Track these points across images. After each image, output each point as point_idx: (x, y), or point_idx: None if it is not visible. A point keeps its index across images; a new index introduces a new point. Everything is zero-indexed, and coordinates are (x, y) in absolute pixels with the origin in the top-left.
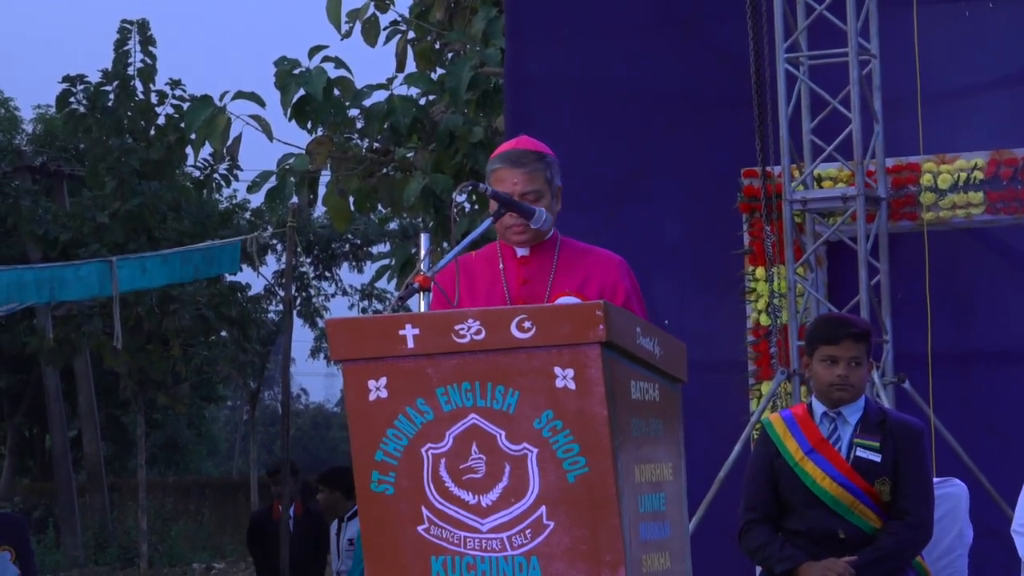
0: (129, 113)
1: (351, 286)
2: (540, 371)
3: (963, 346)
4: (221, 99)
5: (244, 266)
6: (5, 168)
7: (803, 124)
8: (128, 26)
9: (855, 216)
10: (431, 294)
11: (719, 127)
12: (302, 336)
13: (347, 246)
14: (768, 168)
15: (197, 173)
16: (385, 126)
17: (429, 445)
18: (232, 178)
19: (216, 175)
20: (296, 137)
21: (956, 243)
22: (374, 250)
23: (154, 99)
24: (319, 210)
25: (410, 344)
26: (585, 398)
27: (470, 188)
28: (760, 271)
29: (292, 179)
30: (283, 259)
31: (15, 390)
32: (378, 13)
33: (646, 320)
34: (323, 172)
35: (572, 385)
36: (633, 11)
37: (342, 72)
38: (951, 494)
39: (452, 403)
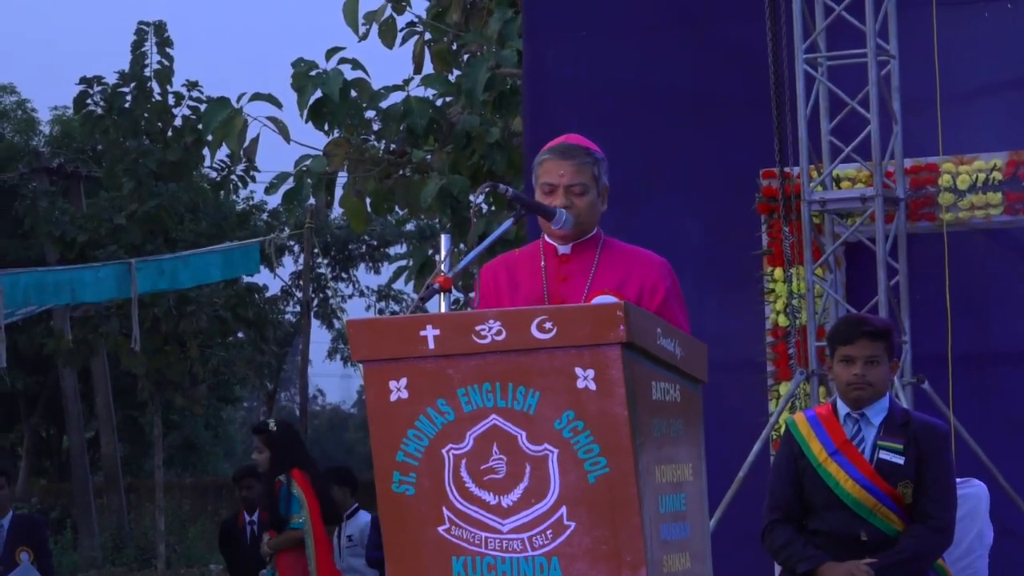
0: (146, 115)
1: (368, 287)
2: (561, 372)
3: (982, 347)
4: (238, 100)
5: (261, 267)
6: (22, 169)
7: (822, 125)
8: (145, 28)
9: (874, 217)
10: (476, 292)
11: (737, 128)
12: (319, 337)
13: (364, 247)
14: (787, 169)
15: (214, 174)
16: (402, 127)
17: (450, 446)
18: (249, 179)
19: (233, 176)
20: (313, 139)
21: (975, 244)
22: (391, 251)
23: (171, 100)
24: (336, 211)
25: (431, 345)
26: (606, 399)
27: (489, 189)
28: (779, 272)
29: (309, 181)
30: (300, 260)
31: (32, 391)
32: (395, 15)
33: (687, 323)
34: (340, 174)
35: (593, 386)
36: (651, 12)
37: (359, 74)
38: (971, 495)
39: (473, 404)
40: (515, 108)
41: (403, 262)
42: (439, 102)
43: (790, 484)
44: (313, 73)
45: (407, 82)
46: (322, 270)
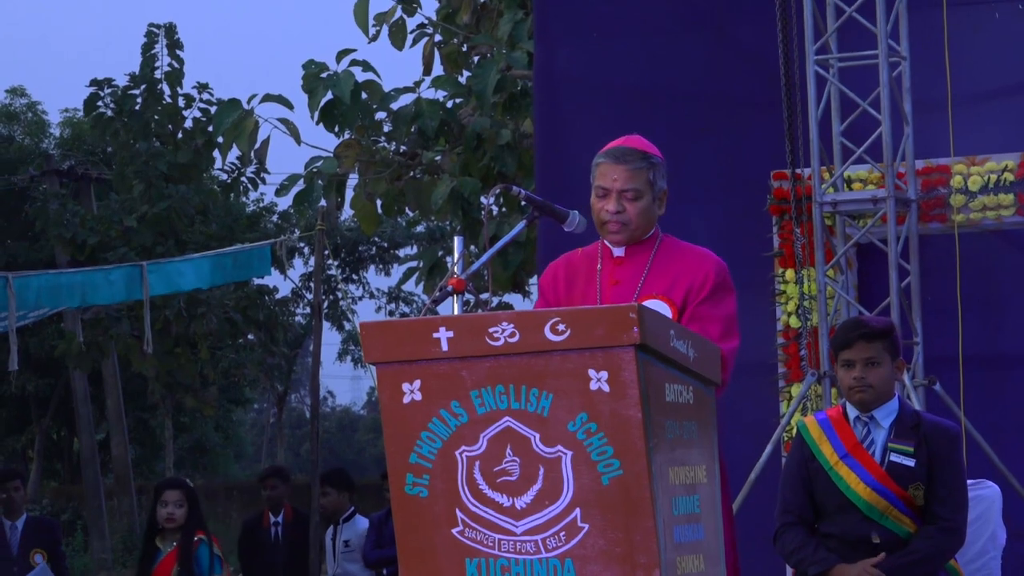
0: (156, 117)
1: (378, 289)
2: (574, 373)
3: (994, 348)
4: (249, 102)
5: (272, 269)
6: (33, 172)
7: (833, 126)
8: (155, 30)
9: (885, 218)
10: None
11: (749, 130)
12: (329, 339)
13: (374, 249)
14: (798, 170)
15: (224, 176)
16: (412, 129)
17: (463, 447)
18: (259, 181)
19: (243, 179)
20: (324, 140)
21: (987, 245)
22: (401, 253)
23: (181, 103)
24: (346, 213)
25: (444, 347)
26: (619, 400)
27: (501, 191)
28: (790, 273)
29: (320, 182)
30: (310, 262)
31: (43, 393)
32: (405, 16)
33: (735, 318)
34: (351, 175)
35: (606, 387)
36: (662, 13)
37: (370, 75)
38: (984, 496)
39: (486, 406)
40: (525, 109)
41: (413, 264)
42: (449, 104)
43: (801, 487)
44: (324, 75)
45: (418, 84)
46: (332, 272)
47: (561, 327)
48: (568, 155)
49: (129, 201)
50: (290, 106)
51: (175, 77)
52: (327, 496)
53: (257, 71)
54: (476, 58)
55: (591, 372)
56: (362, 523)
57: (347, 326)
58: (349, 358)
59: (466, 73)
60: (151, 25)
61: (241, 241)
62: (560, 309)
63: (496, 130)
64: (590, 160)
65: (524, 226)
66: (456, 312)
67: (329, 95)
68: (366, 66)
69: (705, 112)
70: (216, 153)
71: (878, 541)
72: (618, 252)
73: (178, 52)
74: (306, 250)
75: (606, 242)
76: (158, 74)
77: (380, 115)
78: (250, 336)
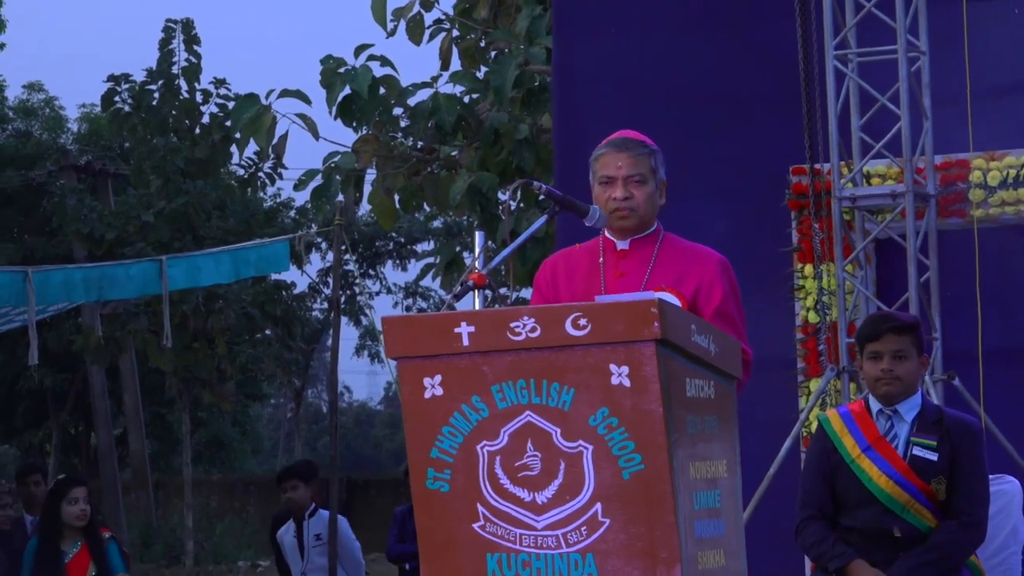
0: (174, 112)
1: (395, 284)
2: (595, 368)
3: (1013, 343)
4: (267, 97)
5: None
6: (50, 167)
7: (852, 121)
8: (172, 25)
9: (904, 213)
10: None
11: (767, 125)
12: (346, 334)
13: (391, 244)
14: (817, 165)
15: (242, 172)
16: (430, 124)
17: (484, 442)
18: (277, 176)
19: (260, 174)
20: (341, 136)
21: (1006, 240)
22: (418, 248)
23: (199, 98)
24: (363, 209)
25: (465, 342)
26: (640, 395)
27: (521, 185)
28: (809, 268)
29: (338, 177)
30: (327, 257)
31: (61, 388)
32: (423, 11)
33: (744, 323)
34: (368, 171)
35: (627, 382)
36: (681, 8)
37: (387, 70)
38: (1004, 491)
39: (507, 400)
40: (543, 105)
41: (431, 259)
42: (467, 99)
43: (822, 480)
44: (342, 70)
45: (435, 79)
46: (349, 267)
47: (582, 322)
48: (587, 150)
49: (146, 196)
50: (308, 101)
51: (192, 72)
52: (297, 490)
53: (274, 66)
54: (493, 53)
55: (612, 367)
56: (326, 515)
57: (364, 321)
58: (366, 353)
59: (484, 68)
60: (168, 20)
61: (258, 236)
62: (581, 304)
63: (514, 125)
64: None
65: (545, 221)
66: (477, 307)
67: (347, 90)
68: (384, 61)
69: (723, 108)
70: (233, 148)
71: (899, 535)
72: (622, 245)
73: (195, 47)
74: (323, 245)
75: (609, 235)
76: (175, 69)
77: (397, 110)
78: (267, 331)
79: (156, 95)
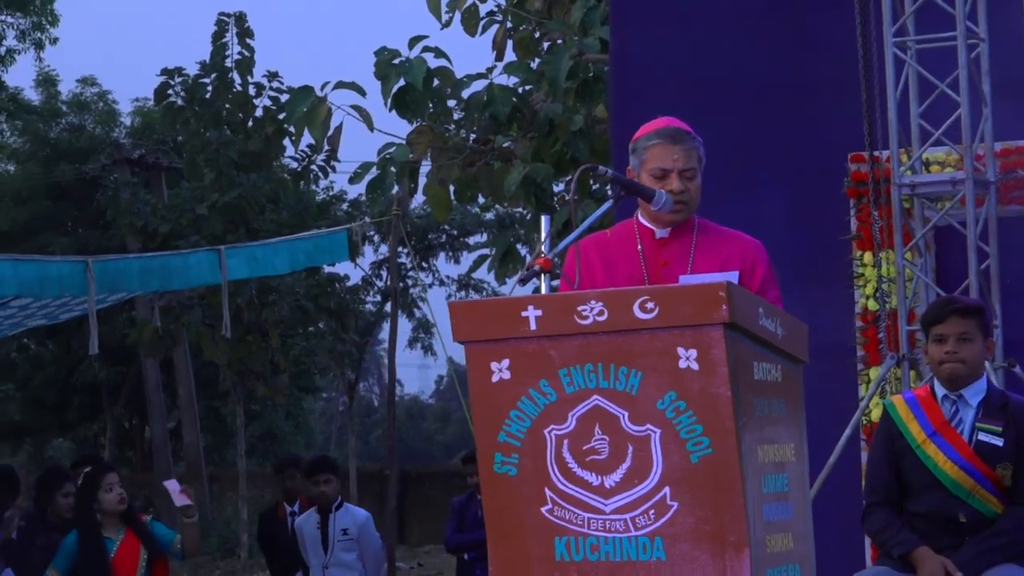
0: (227, 105)
1: (448, 276)
2: (663, 352)
3: None
4: (321, 89)
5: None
6: (104, 161)
7: (911, 108)
8: (225, 19)
9: (964, 200)
10: (563, 273)
11: (826, 113)
12: (399, 327)
13: (444, 237)
14: (876, 153)
15: (294, 164)
16: (484, 115)
17: (552, 426)
18: (330, 169)
19: (313, 166)
20: (395, 127)
21: None
22: (471, 240)
23: (251, 91)
24: (416, 201)
25: (533, 326)
26: (708, 379)
27: (587, 170)
28: (868, 256)
29: (393, 169)
30: (380, 250)
31: (115, 382)
32: (477, 2)
33: (781, 304)
34: (423, 162)
35: (695, 366)
36: None
37: (442, 62)
38: None
39: (575, 384)
40: (598, 95)
41: (485, 251)
42: (521, 90)
43: (888, 466)
44: (396, 61)
45: (490, 70)
46: (403, 259)
47: (650, 305)
48: None
49: (200, 189)
50: (363, 93)
51: (245, 65)
52: (330, 484)
53: (327, 59)
54: (546, 44)
55: (680, 350)
56: (354, 511)
57: (417, 314)
58: (419, 346)
59: (537, 59)
60: (221, 14)
61: (312, 229)
62: (649, 287)
63: (568, 116)
64: None
65: (610, 206)
66: (544, 291)
67: (401, 82)
68: (438, 52)
69: (780, 96)
70: (286, 141)
71: (964, 520)
72: (661, 233)
73: (248, 41)
74: (376, 238)
75: (645, 222)
76: (228, 63)
77: (451, 102)
78: (321, 324)
79: (209, 88)
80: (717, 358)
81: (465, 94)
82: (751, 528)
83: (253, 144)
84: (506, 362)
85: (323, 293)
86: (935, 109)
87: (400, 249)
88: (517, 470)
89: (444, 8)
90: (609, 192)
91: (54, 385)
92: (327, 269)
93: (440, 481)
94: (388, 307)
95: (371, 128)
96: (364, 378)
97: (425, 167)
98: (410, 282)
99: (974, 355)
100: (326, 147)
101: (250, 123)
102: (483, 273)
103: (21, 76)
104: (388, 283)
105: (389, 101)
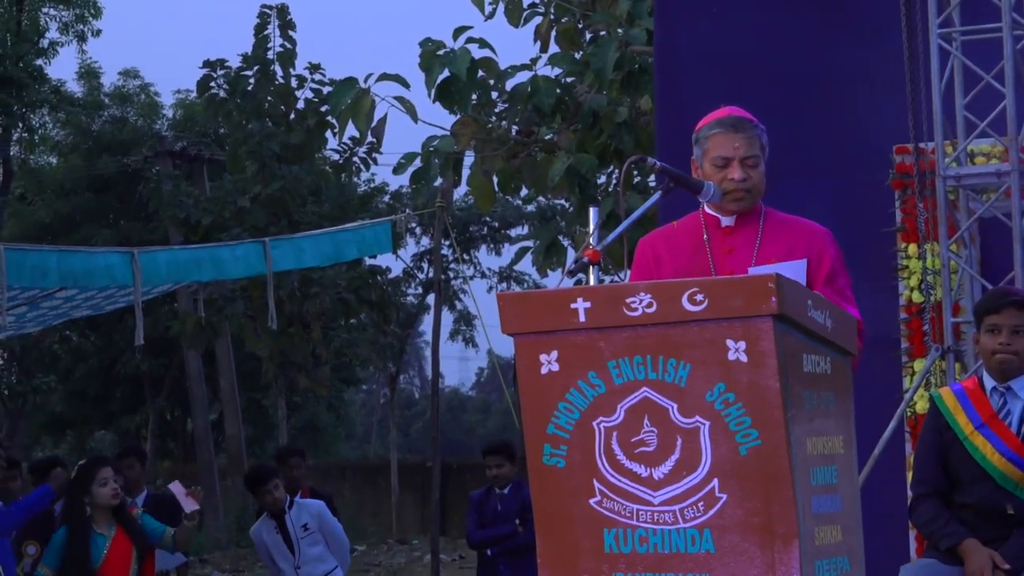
0: (269, 97)
1: (489, 268)
2: (712, 344)
3: None
4: (365, 81)
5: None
6: (146, 153)
7: (956, 100)
8: (268, 11)
9: (1009, 192)
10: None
11: (870, 104)
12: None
13: (485, 229)
14: (921, 144)
15: (336, 157)
16: (528, 107)
17: (601, 418)
18: (372, 161)
19: (355, 158)
20: (439, 118)
21: None
22: (512, 233)
23: (294, 83)
24: (457, 194)
25: (582, 318)
26: (758, 371)
27: (636, 161)
28: (913, 248)
29: (436, 161)
30: (422, 242)
31: (157, 374)
32: None
33: (851, 290)
34: (467, 153)
35: (744, 358)
36: None
37: (486, 53)
38: None
39: (624, 376)
40: (643, 87)
41: (527, 243)
42: (565, 81)
43: (935, 458)
44: (440, 52)
45: (534, 61)
46: (445, 251)
47: (699, 297)
48: (689, 131)
49: (242, 181)
50: (407, 84)
51: (287, 58)
52: (278, 488)
53: (369, 51)
54: (588, 36)
55: (729, 342)
56: (306, 504)
57: (459, 306)
58: (460, 338)
59: (581, 51)
60: (264, 6)
61: (353, 221)
62: (698, 279)
63: (613, 108)
64: None
65: (659, 197)
66: (592, 283)
67: (446, 73)
68: (482, 43)
69: (826, 87)
70: (328, 134)
71: (1012, 512)
72: (727, 222)
73: (290, 33)
74: (417, 230)
75: (712, 212)
76: (271, 55)
77: (495, 93)
78: (362, 316)
79: (251, 81)
80: (766, 350)
81: (509, 85)
82: (800, 520)
83: (295, 136)
84: (555, 354)
85: (364, 285)
86: (980, 101)
87: (442, 241)
88: (565, 462)
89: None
90: (652, 184)
91: (96, 377)
92: (368, 261)
93: (481, 473)
94: (429, 299)
95: (415, 119)
96: (405, 370)
97: (468, 158)
98: (452, 274)
99: None
100: (370, 139)
101: (292, 115)
102: (525, 265)
103: (64, 69)
104: (429, 275)
105: (433, 92)
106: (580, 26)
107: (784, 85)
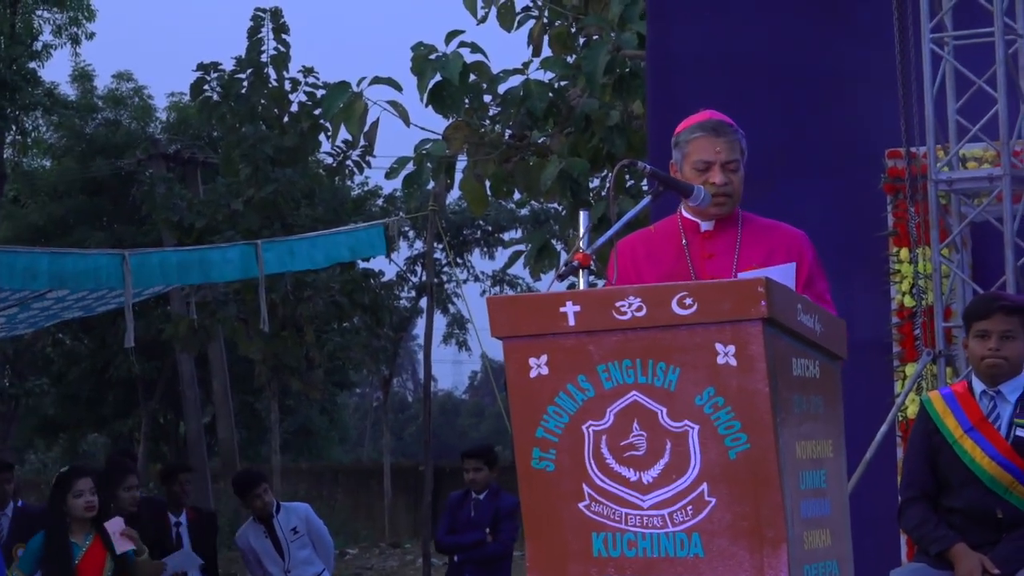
0: (263, 100)
1: (482, 272)
2: (701, 348)
3: None
4: (358, 84)
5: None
6: (140, 156)
7: (948, 104)
8: (261, 14)
9: (1001, 197)
10: (613, 269)
11: (862, 108)
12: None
13: (478, 232)
14: (913, 149)
15: (330, 160)
16: (521, 111)
17: (590, 422)
18: (365, 165)
19: (349, 162)
20: (431, 122)
21: None
22: (505, 236)
23: (287, 86)
24: (450, 197)
25: (571, 321)
26: (747, 375)
27: (626, 165)
28: (904, 252)
29: (429, 165)
30: (415, 245)
31: (150, 377)
32: None
33: (829, 293)
34: (459, 157)
35: (733, 362)
36: None
37: (478, 57)
38: None
39: (613, 380)
40: (635, 91)
41: (520, 247)
42: (558, 85)
43: (925, 461)
44: (432, 57)
45: (526, 65)
46: (438, 255)
47: (688, 301)
48: None
49: (236, 185)
50: (399, 88)
51: (281, 61)
52: (267, 493)
53: (362, 55)
54: (582, 40)
55: (718, 346)
56: (294, 508)
57: (452, 309)
58: (453, 341)
59: (574, 55)
60: (257, 9)
61: (347, 224)
62: (687, 283)
63: (605, 111)
64: None
65: (649, 201)
66: (582, 287)
67: (438, 77)
68: (475, 47)
69: (819, 90)
70: (322, 137)
71: (1001, 516)
72: (706, 226)
73: (284, 36)
74: (411, 233)
75: (690, 216)
76: (264, 58)
77: (487, 97)
78: (355, 319)
79: (245, 84)
80: (755, 354)
81: (501, 89)
82: (789, 524)
83: (288, 139)
84: (544, 358)
85: (358, 289)
86: (972, 105)
87: (435, 244)
88: (554, 466)
89: (480, 3)
90: (645, 188)
91: (89, 380)
92: (361, 264)
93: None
94: (422, 303)
95: (407, 123)
96: (398, 374)
97: (461, 162)
98: (445, 278)
99: (1016, 353)
100: (363, 142)
101: (285, 118)
102: (518, 269)
103: (57, 71)
104: (422, 279)
105: (425, 96)
106: (573, 30)
107: (777, 88)
